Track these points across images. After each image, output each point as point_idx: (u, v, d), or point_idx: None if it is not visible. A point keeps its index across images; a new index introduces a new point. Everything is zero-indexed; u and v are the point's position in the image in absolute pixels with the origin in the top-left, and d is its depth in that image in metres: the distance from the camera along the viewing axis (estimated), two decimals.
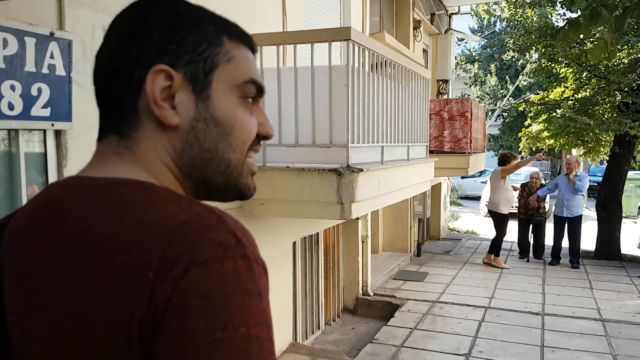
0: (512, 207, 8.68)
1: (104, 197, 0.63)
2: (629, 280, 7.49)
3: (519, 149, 11.88)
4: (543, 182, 10.83)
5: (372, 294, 6.40)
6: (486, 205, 8.59)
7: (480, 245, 10.27)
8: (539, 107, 10.11)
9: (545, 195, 8.94)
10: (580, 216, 8.33)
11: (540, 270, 8.10)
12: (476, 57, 25.03)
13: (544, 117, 10.00)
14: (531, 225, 8.87)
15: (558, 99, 9.93)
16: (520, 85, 20.91)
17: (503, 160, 8.43)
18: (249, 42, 0.74)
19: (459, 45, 25.92)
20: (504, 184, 8.21)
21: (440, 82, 10.75)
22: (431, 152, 9.14)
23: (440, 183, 11.22)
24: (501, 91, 22.49)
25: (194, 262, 0.55)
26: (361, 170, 3.46)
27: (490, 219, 8.68)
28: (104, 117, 0.71)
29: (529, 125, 11.14)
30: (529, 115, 10.89)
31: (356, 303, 6.25)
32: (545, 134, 10.00)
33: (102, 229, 0.60)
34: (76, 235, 0.61)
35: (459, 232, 12.52)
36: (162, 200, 0.62)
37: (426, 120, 5.64)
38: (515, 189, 8.53)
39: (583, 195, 8.35)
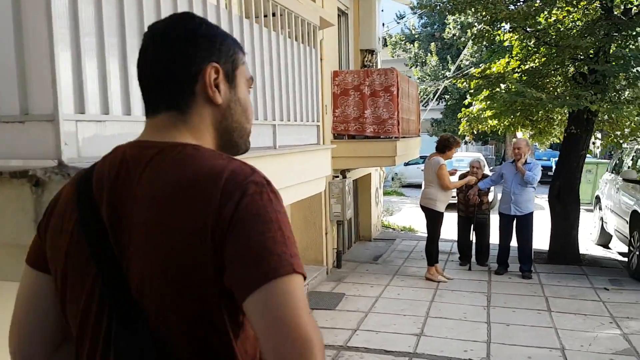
0: (453, 197, 7.02)
1: (170, 154, 0.97)
2: (594, 295, 5.90)
3: (459, 132, 10.23)
4: (486, 171, 9.26)
5: None
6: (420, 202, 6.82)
7: (416, 247, 8.61)
8: (480, 82, 8.47)
9: (488, 188, 7.29)
10: (531, 213, 6.69)
11: (484, 282, 6.45)
12: (416, 36, 23.47)
13: (485, 93, 8.37)
14: (472, 225, 7.24)
15: (502, 71, 8.32)
16: (461, 65, 19.47)
17: (443, 146, 6.63)
18: (243, 51, 1.13)
19: (398, 23, 24.38)
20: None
21: (365, 53, 8.96)
22: (352, 137, 7.33)
23: (370, 174, 9.48)
24: (442, 72, 21.01)
25: (245, 194, 0.90)
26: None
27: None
28: (161, 97, 1.03)
29: (469, 104, 9.51)
30: (469, 92, 9.26)
31: None
32: (488, 113, 8.34)
33: (174, 174, 0.93)
34: (156, 177, 0.94)
35: (394, 229, 10.85)
36: (210, 157, 0.97)
37: (315, 88, 3.79)
38: (451, 174, 6.76)
39: (534, 188, 6.73)
